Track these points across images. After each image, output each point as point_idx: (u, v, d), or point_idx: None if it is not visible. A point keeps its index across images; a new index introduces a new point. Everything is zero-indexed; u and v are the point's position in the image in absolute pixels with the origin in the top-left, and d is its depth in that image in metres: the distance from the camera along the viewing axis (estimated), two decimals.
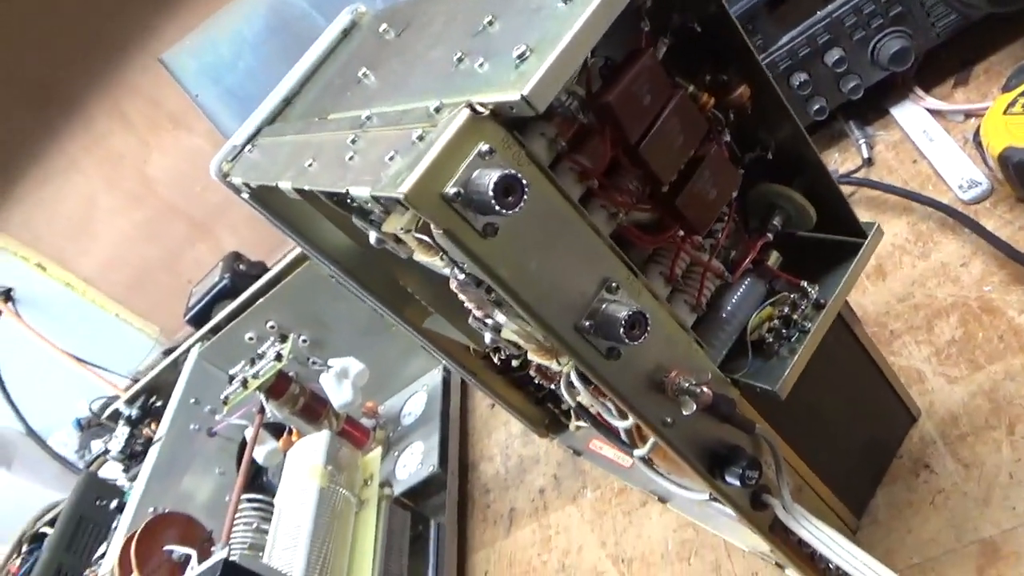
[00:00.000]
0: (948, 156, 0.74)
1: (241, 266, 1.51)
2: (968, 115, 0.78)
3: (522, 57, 0.35)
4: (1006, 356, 0.58)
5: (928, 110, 0.81)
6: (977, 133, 0.68)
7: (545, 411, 0.89)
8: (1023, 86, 0.65)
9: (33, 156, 1.62)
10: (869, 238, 0.48)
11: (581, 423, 0.86)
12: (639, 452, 0.53)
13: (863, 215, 0.78)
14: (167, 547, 0.82)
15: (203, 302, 1.46)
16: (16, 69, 1.48)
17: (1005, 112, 0.64)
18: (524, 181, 0.33)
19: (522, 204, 0.34)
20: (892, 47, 0.79)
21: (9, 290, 1.78)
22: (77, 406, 1.68)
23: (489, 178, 0.33)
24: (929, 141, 0.78)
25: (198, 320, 1.46)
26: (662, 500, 0.71)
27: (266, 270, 1.45)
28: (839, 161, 0.86)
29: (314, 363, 1.00)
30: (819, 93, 0.84)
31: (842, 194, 0.48)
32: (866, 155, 0.83)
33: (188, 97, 1.50)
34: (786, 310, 0.47)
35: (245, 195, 0.62)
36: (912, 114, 0.82)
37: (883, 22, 0.79)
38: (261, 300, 1.02)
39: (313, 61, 0.66)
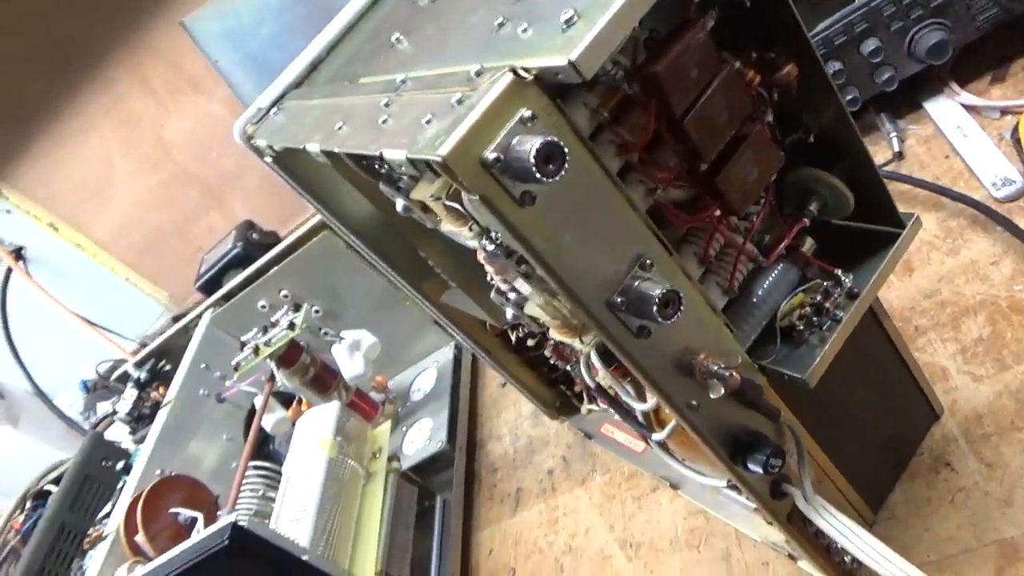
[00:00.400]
0: (982, 153, 0.73)
1: (254, 235, 1.51)
2: (1004, 112, 0.76)
3: (569, 22, 0.34)
4: None
5: (963, 105, 0.80)
6: (1016, 130, 0.66)
7: (557, 392, 0.88)
8: None
9: (52, 114, 1.61)
10: (907, 228, 0.47)
11: (593, 406, 0.86)
12: (657, 436, 0.53)
13: None
14: (173, 509, 0.82)
15: (214, 269, 1.46)
16: (40, 27, 1.47)
17: None
18: (566, 149, 0.33)
19: (563, 173, 0.33)
20: (930, 39, 0.77)
21: (20, 248, 1.78)
22: (84, 368, 1.69)
23: (531, 144, 0.32)
24: (963, 137, 0.76)
25: (209, 288, 1.46)
26: (674, 486, 0.71)
27: (278, 240, 1.45)
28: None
29: (326, 334, 0.99)
30: (852, 83, 0.82)
31: (882, 182, 0.47)
32: (897, 148, 0.81)
33: (208, 62, 1.49)
34: (818, 298, 0.46)
35: (268, 159, 0.61)
36: (946, 109, 0.81)
37: (922, 13, 0.77)
38: (275, 268, 1.01)
39: (342, 26, 0.64)
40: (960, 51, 0.81)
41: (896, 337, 0.54)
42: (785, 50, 0.41)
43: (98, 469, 1.12)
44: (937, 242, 0.70)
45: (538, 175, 0.32)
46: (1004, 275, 0.63)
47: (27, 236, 1.78)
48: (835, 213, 0.48)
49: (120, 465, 1.07)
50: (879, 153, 0.84)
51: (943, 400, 0.59)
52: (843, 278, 0.46)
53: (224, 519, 0.68)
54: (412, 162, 0.37)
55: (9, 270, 1.76)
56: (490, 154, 0.33)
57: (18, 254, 1.79)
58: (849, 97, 0.82)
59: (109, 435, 1.29)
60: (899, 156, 0.81)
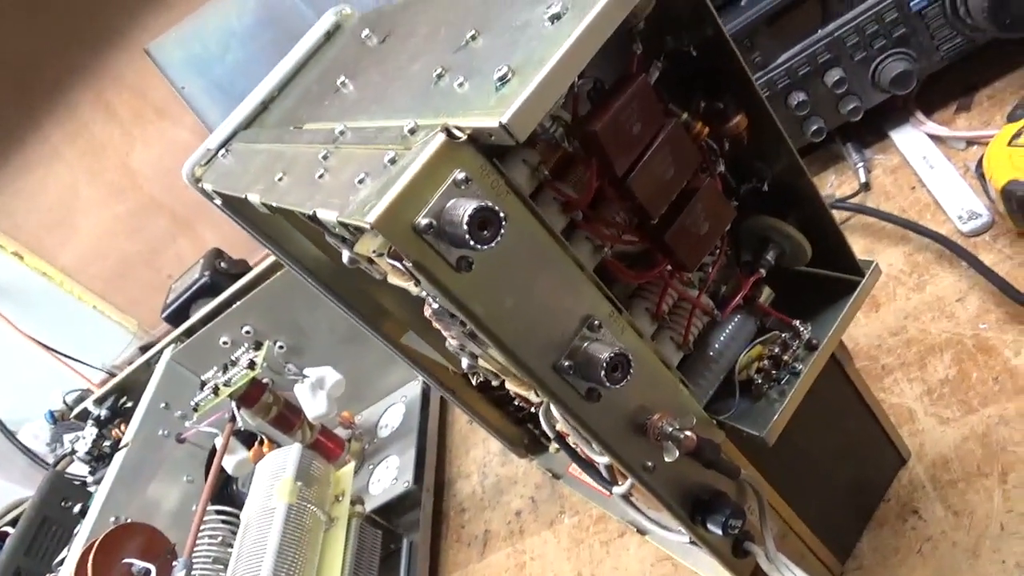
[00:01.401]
0: (948, 184, 0.72)
1: (222, 264, 1.48)
2: (970, 142, 0.76)
3: (503, 80, 0.32)
4: (1000, 399, 0.56)
5: (929, 135, 0.79)
6: (980, 163, 0.66)
7: (525, 431, 0.86)
8: None
9: (15, 144, 1.58)
10: (866, 278, 0.46)
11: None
12: (618, 489, 0.51)
13: (858, 242, 0.76)
14: (127, 559, 0.79)
15: (181, 299, 1.43)
16: (1, 55, 1.44)
17: (1010, 143, 0.62)
18: (501, 214, 0.31)
19: (499, 239, 0.31)
20: (894, 69, 0.76)
21: None
22: (51, 398, 1.64)
23: (464, 210, 0.31)
24: (929, 168, 0.76)
25: (175, 317, 1.43)
26: (641, 532, 0.69)
27: (248, 268, 1.43)
28: (835, 184, 0.84)
29: (290, 371, 0.97)
30: (817, 114, 0.81)
31: (839, 230, 0.45)
32: (863, 179, 0.81)
33: (174, 89, 1.47)
34: (776, 350, 0.45)
35: (217, 201, 0.59)
36: (912, 139, 0.80)
37: (886, 43, 0.77)
38: (238, 304, 0.98)
39: (294, 64, 0.63)
40: (925, 80, 0.81)
41: (860, 383, 0.53)
42: (734, 100, 0.40)
43: (57, 511, 1.08)
44: (903, 277, 0.69)
45: (472, 242, 0.31)
46: (970, 313, 0.62)
47: None
48: (793, 261, 0.47)
49: (78, 508, 1.04)
50: (846, 183, 0.83)
51: (910, 443, 0.57)
52: (802, 329, 0.45)
53: (176, 573, 0.66)
54: (344, 224, 0.36)
55: None
56: (422, 219, 0.31)
57: None
58: (815, 127, 0.81)
59: (72, 470, 1.26)
60: (865, 187, 0.80)
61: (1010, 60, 0.78)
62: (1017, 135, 0.62)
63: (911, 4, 0.74)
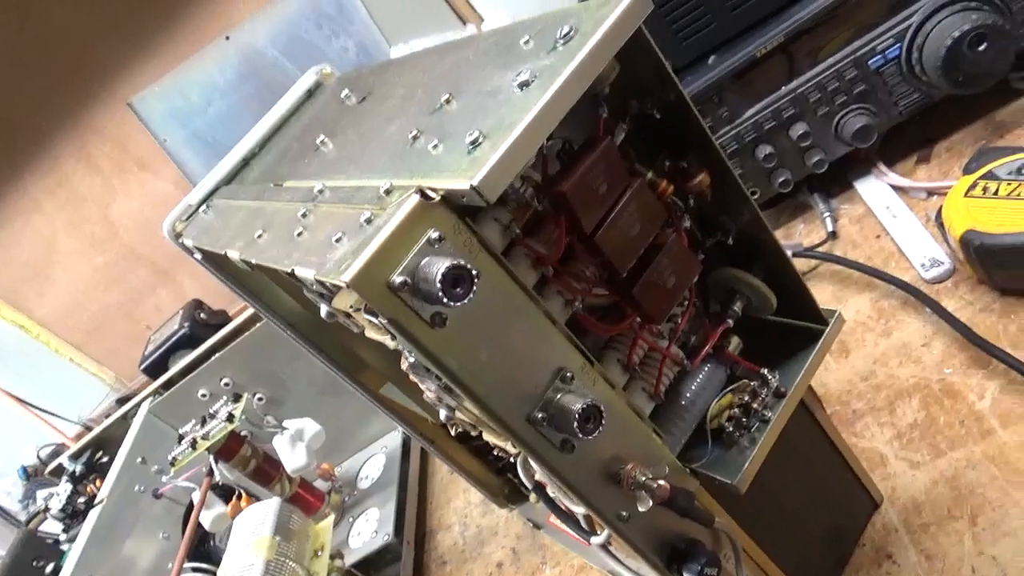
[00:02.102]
0: (911, 233, 0.75)
1: (202, 315, 1.48)
2: (931, 192, 0.79)
3: (475, 143, 0.34)
4: (967, 443, 0.57)
5: (891, 186, 0.82)
6: (939, 213, 0.68)
7: (505, 481, 0.86)
8: (983, 169, 0.66)
9: None
10: (829, 327, 0.47)
11: None
12: (596, 540, 0.51)
13: (826, 289, 0.79)
14: None
15: (160, 351, 1.42)
16: None
17: (966, 195, 0.65)
18: (474, 272, 0.32)
19: (471, 296, 0.32)
20: (855, 124, 0.80)
21: None
22: (25, 453, 1.62)
23: (437, 268, 0.32)
24: (892, 217, 0.78)
25: (154, 369, 1.42)
26: None
27: (228, 319, 1.42)
28: (804, 233, 0.87)
29: (270, 423, 0.96)
30: (784, 165, 0.84)
31: (801, 281, 0.47)
32: (831, 228, 0.83)
33: (156, 141, 1.48)
34: (746, 398, 0.46)
35: (198, 256, 0.60)
36: (876, 189, 0.83)
37: (847, 99, 0.80)
38: (217, 356, 0.98)
39: (275, 121, 0.64)
40: (886, 133, 0.84)
41: (830, 428, 0.54)
42: (697, 159, 0.42)
43: (29, 570, 1.06)
44: (871, 323, 0.71)
45: (445, 299, 0.32)
46: (935, 358, 0.64)
47: None
48: (759, 311, 0.48)
49: (51, 568, 1.02)
50: (814, 232, 0.86)
51: (882, 488, 0.58)
52: (770, 377, 0.46)
53: None
54: (321, 283, 0.37)
55: None
56: (397, 278, 0.32)
57: None
58: (782, 179, 0.84)
59: (46, 528, 1.23)
60: (833, 236, 0.83)
61: (965, 114, 0.82)
62: (973, 186, 0.65)
63: (870, 62, 0.78)
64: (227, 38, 1.41)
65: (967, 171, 0.68)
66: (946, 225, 0.66)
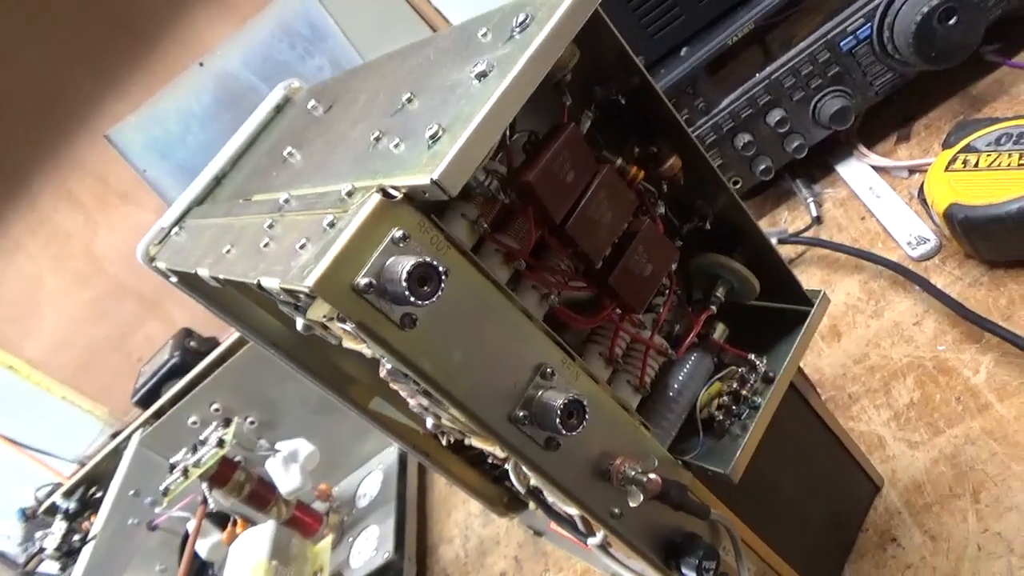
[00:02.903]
0: (895, 213, 0.74)
1: (192, 343, 1.47)
2: (912, 171, 0.78)
3: (435, 137, 0.33)
4: (965, 419, 0.56)
5: (872, 166, 0.82)
6: (922, 190, 0.68)
7: (504, 489, 0.85)
8: (962, 143, 0.65)
9: None
10: (815, 307, 0.47)
11: None
12: (593, 540, 0.50)
13: (815, 273, 0.78)
14: None
15: (151, 382, 1.41)
16: None
17: (946, 169, 0.64)
18: (441, 269, 0.31)
19: (440, 293, 0.31)
20: (832, 107, 0.79)
21: None
22: (22, 494, 1.59)
23: (402, 267, 0.31)
24: (876, 198, 0.78)
25: (147, 401, 1.41)
26: None
27: (218, 345, 1.41)
28: (789, 220, 0.86)
29: (262, 446, 0.95)
30: (764, 153, 0.84)
31: (783, 263, 0.46)
32: (815, 213, 0.82)
33: (136, 173, 1.47)
34: (735, 385, 0.45)
35: (173, 279, 0.59)
36: (857, 171, 0.83)
37: (822, 82, 0.80)
38: (205, 382, 0.97)
39: (245, 139, 0.64)
40: (864, 114, 0.84)
41: (825, 412, 0.53)
42: (667, 143, 0.41)
43: None
44: (861, 305, 0.70)
45: (413, 299, 0.31)
46: (927, 335, 0.63)
47: None
48: (743, 296, 0.47)
49: None
50: (799, 218, 0.85)
51: (882, 470, 0.57)
52: (757, 363, 0.45)
53: None
54: (287, 291, 0.36)
55: None
56: (362, 279, 0.32)
57: None
58: (763, 166, 0.83)
59: (44, 570, 1.21)
60: (817, 220, 0.82)
61: (941, 90, 0.81)
62: (953, 160, 0.65)
63: (842, 44, 0.77)
64: (201, 64, 1.41)
65: (946, 145, 0.68)
66: (929, 201, 0.66)
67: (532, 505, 0.83)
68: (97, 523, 0.93)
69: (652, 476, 0.40)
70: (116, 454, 1.06)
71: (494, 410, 0.36)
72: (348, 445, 1.04)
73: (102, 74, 1.46)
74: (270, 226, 0.42)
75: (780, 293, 0.48)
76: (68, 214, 1.58)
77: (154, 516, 0.93)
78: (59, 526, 1.09)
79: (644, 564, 0.44)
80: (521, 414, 0.37)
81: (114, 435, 1.50)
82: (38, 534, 1.53)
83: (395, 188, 0.33)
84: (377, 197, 0.32)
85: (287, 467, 0.89)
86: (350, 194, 0.35)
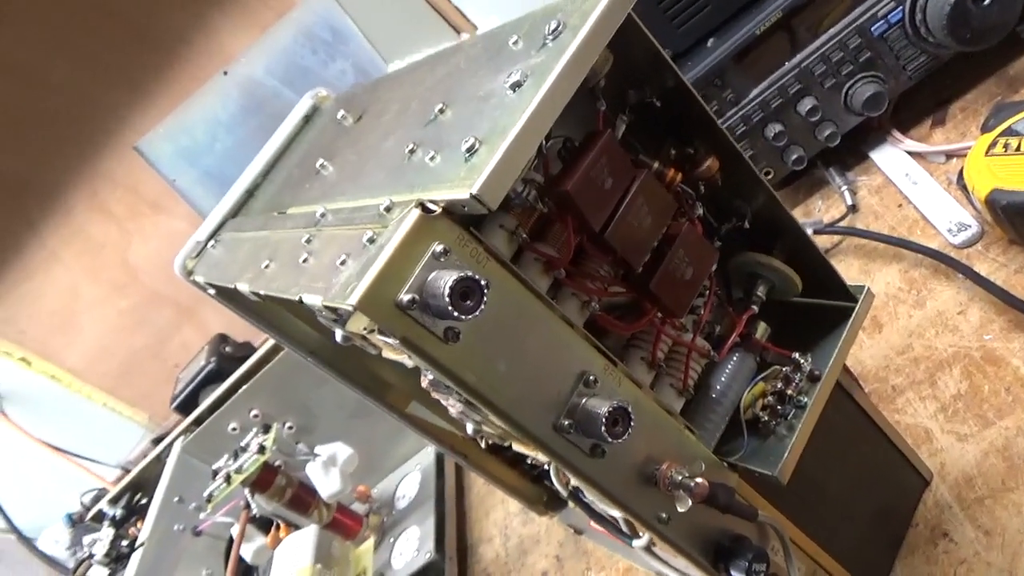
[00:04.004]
0: (933, 199, 0.73)
1: (227, 348, 1.49)
2: (949, 156, 0.76)
3: (472, 150, 0.33)
4: (1016, 410, 0.55)
5: (908, 152, 0.80)
6: (961, 175, 0.66)
7: (543, 488, 0.85)
8: (1002, 126, 0.64)
9: (13, 251, 1.60)
10: (859, 303, 0.46)
11: None
12: (639, 543, 0.50)
13: (852, 264, 0.76)
14: None
15: (189, 388, 1.43)
16: None
17: (987, 153, 0.63)
18: (483, 283, 0.31)
19: (482, 307, 0.31)
20: (865, 92, 0.78)
21: None
22: (68, 500, 1.63)
23: (444, 282, 0.31)
24: (912, 184, 0.76)
25: (185, 407, 1.43)
26: None
27: (253, 350, 1.43)
28: (823, 209, 0.85)
29: (302, 451, 0.96)
30: (795, 142, 0.82)
31: (824, 259, 0.45)
32: (850, 202, 0.81)
33: (166, 182, 1.49)
34: (779, 385, 0.44)
35: (211, 292, 0.59)
36: (892, 157, 0.81)
37: (853, 68, 0.78)
38: (243, 388, 0.98)
39: (275, 150, 0.64)
40: (897, 99, 0.82)
41: (871, 408, 0.52)
42: (704, 144, 0.40)
43: None
44: (902, 295, 0.69)
45: (456, 313, 0.31)
46: (972, 325, 0.61)
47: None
48: (784, 294, 0.46)
49: None
50: (834, 207, 0.84)
51: (930, 464, 0.56)
52: (802, 361, 0.44)
53: None
54: (329, 308, 0.36)
55: None
56: (404, 296, 0.32)
57: None
58: (795, 156, 0.82)
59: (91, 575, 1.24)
60: (853, 209, 0.81)
61: (977, 72, 0.79)
62: (993, 145, 0.63)
63: (873, 29, 0.76)
64: (225, 73, 1.42)
65: (985, 129, 0.66)
66: (969, 187, 0.64)
67: (571, 505, 0.83)
68: (144, 529, 0.95)
69: (699, 480, 0.39)
70: (159, 461, 1.08)
71: (539, 420, 0.36)
72: (385, 447, 1.05)
73: (128, 87, 1.49)
74: (308, 241, 0.42)
75: (821, 289, 0.48)
76: (101, 225, 1.61)
77: (199, 522, 0.95)
78: (107, 532, 1.11)
79: (692, 567, 0.44)
80: (566, 423, 0.36)
81: (155, 440, 1.53)
82: (86, 539, 1.57)
83: (434, 203, 0.33)
84: (417, 212, 0.32)
85: (327, 471, 0.90)
86: (388, 209, 0.35)
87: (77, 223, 1.59)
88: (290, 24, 1.41)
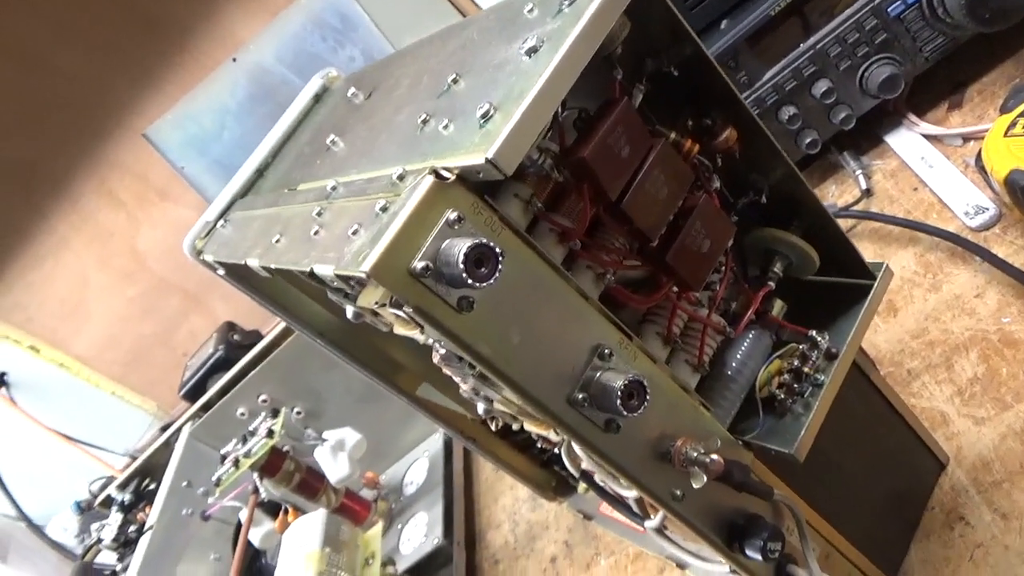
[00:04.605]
0: (950, 182, 0.72)
1: (235, 336, 1.48)
2: (966, 138, 0.75)
3: (486, 116, 0.32)
4: None
5: (924, 135, 0.79)
6: (979, 157, 0.65)
7: (552, 473, 0.84)
8: (1022, 106, 0.63)
9: (22, 238, 1.61)
10: (878, 280, 0.45)
11: None
12: (651, 523, 0.49)
13: (867, 248, 0.76)
14: None
15: (197, 376, 1.43)
16: (0, 151, 1.47)
17: (1006, 134, 0.62)
18: (497, 250, 0.30)
19: (497, 275, 0.31)
20: (880, 75, 0.76)
21: (2, 375, 1.75)
22: (77, 488, 1.64)
23: (458, 249, 0.30)
24: (928, 168, 0.75)
25: (193, 395, 1.43)
26: (680, 566, 0.67)
27: (261, 338, 1.43)
28: (837, 194, 0.84)
29: (310, 436, 0.96)
30: (809, 126, 0.81)
31: (844, 235, 0.45)
32: (864, 186, 0.80)
33: (174, 170, 1.49)
34: (796, 363, 0.44)
35: (220, 272, 0.59)
36: (908, 141, 0.80)
37: (869, 50, 0.77)
38: (252, 373, 0.98)
39: (285, 129, 0.64)
40: (913, 82, 0.81)
41: (887, 389, 0.52)
42: (722, 115, 0.40)
43: None
44: (918, 279, 0.68)
45: (470, 281, 0.30)
46: (990, 308, 0.61)
47: (8, 361, 1.75)
48: (801, 271, 0.46)
49: None
50: (847, 192, 0.83)
51: (947, 447, 0.56)
52: (819, 339, 0.44)
53: None
54: (342, 277, 0.35)
55: None
56: (418, 263, 0.31)
57: (0, 380, 1.76)
58: (808, 140, 0.81)
59: (101, 560, 1.24)
60: (867, 193, 0.80)
61: (995, 53, 0.78)
62: (1012, 125, 0.62)
63: (889, 10, 0.75)
64: (234, 60, 1.42)
65: (1004, 110, 0.65)
66: (988, 168, 0.63)
67: (581, 489, 0.83)
68: (152, 514, 0.95)
69: (714, 456, 0.39)
70: (167, 447, 1.08)
71: (553, 393, 0.36)
72: (393, 433, 1.04)
73: (137, 75, 1.48)
74: (319, 213, 0.42)
75: (839, 267, 0.47)
76: (110, 213, 1.61)
77: (207, 506, 0.95)
78: (115, 517, 1.11)
79: (707, 547, 0.43)
80: (580, 396, 0.36)
81: (163, 428, 1.53)
82: (94, 526, 1.57)
83: (447, 169, 0.32)
84: (430, 179, 0.32)
85: (335, 456, 0.90)
86: (401, 178, 0.35)
87: (86, 210, 1.59)
88: (299, 11, 1.40)
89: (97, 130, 1.51)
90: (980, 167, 0.65)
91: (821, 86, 0.79)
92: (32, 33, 1.42)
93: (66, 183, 1.55)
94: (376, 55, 1.38)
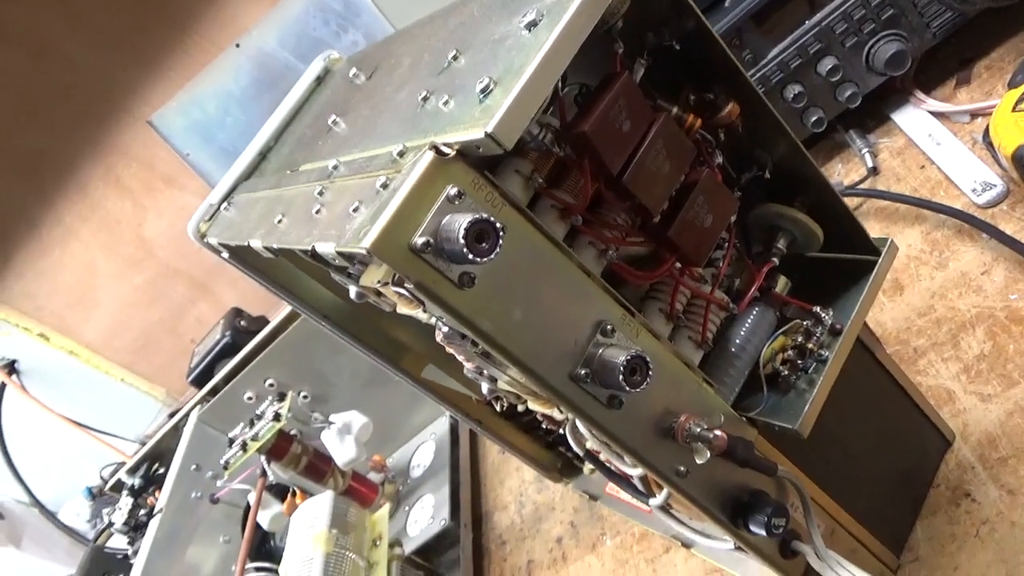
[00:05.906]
0: (957, 159, 0.71)
1: (242, 322, 1.49)
2: (974, 115, 0.74)
3: (486, 91, 0.32)
4: None
5: (931, 113, 0.78)
6: (986, 133, 0.64)
7: (557, 455, 0.84)
8: None
9: (30, 227, 1.62)
10: (883, 255, 0.45)
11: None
12: (655, 501, 0.49)
13: (873, 227, 0.75)
14: None
15: (205, 362, 1.44)
16: (8, 140, 1.48)
17: (1014, 109, 0.61)
18: (498, 225, 0.30)
19: (498, 250, 0.31)
20: (887, 51, 0.76)
21: (13, 362, 1.76)
22: (87, 474, 1.65)
23: (459, 224, 0.30)
24: (936, 145, 0.75)
25: (201, 380, 1.44)
26: (686, 545, 0.67)
27: (267, 324, 1.43)
28: (843, 172, 0.83)
29: (317, 419, 0.96)
30: (815, 104, 0.81)
31: (849, 210, 0.44)
32: (871, 164, 0.79)
33: (179, 156, 1.49)
34: (800, 339, 0.44)
35: (225, 255, 0.59)
36: (915, 118, 0.79)
37: (875, 26, 0.76)
38: (259, 358, 0.98)
39: (287, 112, 0.63)
40: (920, 58, 0.80)
41: (892, 366, 0.51)
42: (724, 89, 0.39)
43: None
44: (924, 256, 0.67)
45: (471, 256, 0.30)
46: (997, 285, 0.60)
47: (19, 349, 1.76)
48: (805, 247, 0.45)
49: None
50: (853, 170, 0.82)
51: (952, 424, 0.55)
52: (823, 315, 0.44)
53: None
54: (343, 255, 0.35)
55: (3, 386, 1.74)
56: (419, 239, 0.31)
57: (11, 368, 1.77)
58: (814, 118, 0.81)
59: (113, 544, 1.25)
60: (874, 171, 0.79)
61: (1003, 28, 0.77)
62: (1021, 100, 0.61)
63: None
64: (237, 46, 1.41)
65: (1012, 85, 0.64)
66: (995, 144, 0.63)
67: (587, 470, 0.83)
68: (162, 497, 0.95)
69: (718, 432, 0.39)
70: (176, 432, 1.09)
71: (555, 369, 0.36)
72: (400, 416, 1.05)
73: (141, 61, 1.48)
74: (320, 193, 0.42)
75: (843, 243, 0.47)
76: (117, 200, 1.61)
77: (216, 489, 0.95)
78: (125, 502, 1.12)
79: (711, 523, 0.44)
80: (583, 372, 0.36)
81: (172, 414, 1.54)
82: (105, 510, 1.59)
83: (447, 145, 0.32)
84: (430, 155, 0.32)
85: (342, 439, 0.90)
86: (401, 154, 0.35)
87: (93, 198, 1.59)
88: None
89: (103, 117, 1.51)
90: (988, 143, 0.65)
91: (827, 63, 0.78)
92: (37, 22, 1.42)
93: (73, 171, 1.56)
94: (379, 39, 1.37)
